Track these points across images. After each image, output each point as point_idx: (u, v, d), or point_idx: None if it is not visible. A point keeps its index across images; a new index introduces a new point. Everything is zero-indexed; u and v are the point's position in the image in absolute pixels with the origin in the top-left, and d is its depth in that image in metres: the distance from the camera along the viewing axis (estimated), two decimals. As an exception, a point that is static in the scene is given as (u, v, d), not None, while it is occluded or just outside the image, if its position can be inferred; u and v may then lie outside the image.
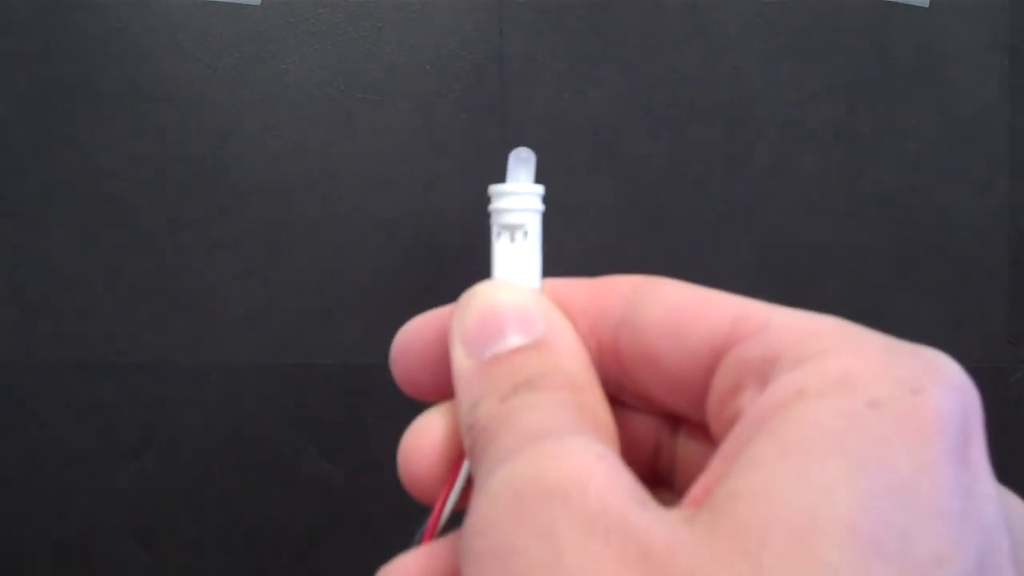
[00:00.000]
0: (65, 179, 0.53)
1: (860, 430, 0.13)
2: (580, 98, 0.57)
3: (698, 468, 0.15)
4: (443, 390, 0.19)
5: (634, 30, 0.57)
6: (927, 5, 0.59)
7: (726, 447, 0.14)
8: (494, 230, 0.20)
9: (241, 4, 0.54)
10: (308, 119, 0.55)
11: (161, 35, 0.54)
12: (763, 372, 0.15)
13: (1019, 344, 0.60)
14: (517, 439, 0.15)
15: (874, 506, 0.12)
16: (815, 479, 0.12)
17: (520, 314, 0.18)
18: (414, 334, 0.20)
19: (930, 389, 0.13)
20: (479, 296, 0.19)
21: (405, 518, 0.21)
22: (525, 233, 0.20)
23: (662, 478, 0.19)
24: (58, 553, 0.54)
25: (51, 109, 0.53)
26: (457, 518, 0.16)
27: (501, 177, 0.20)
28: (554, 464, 0.14)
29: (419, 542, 0.18)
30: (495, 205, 0.20)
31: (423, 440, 0.19)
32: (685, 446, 0.19)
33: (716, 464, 0.14)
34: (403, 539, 0.19)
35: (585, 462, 0.14)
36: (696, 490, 0.14)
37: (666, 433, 0.19)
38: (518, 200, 0.20)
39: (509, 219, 0.20)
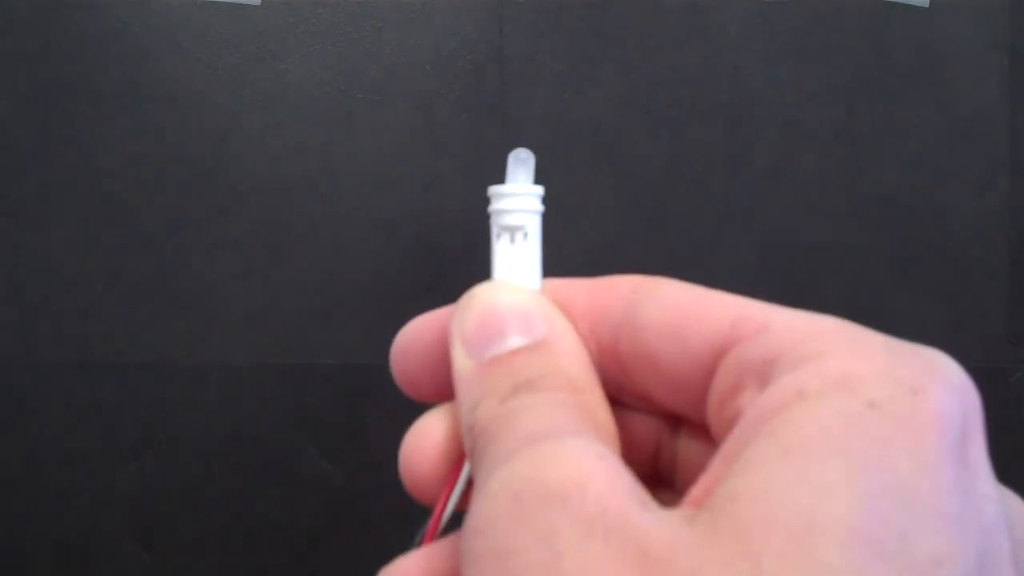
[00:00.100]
0: (65, 179, 0.53)
1: (860, 430, 0.13)
2: (580, 98, 0.57)
3: (698, 468, 0.15)
4: (443, 391, 0.19)
5: (634, 30, 0.57)
6: (927, 5, 0.59)
7: (726, 447, 0.14)
8: (494, 231, 0.20)
9: (241, 4, 0.54)
10: (308, 119, 0.55)
11: (161, 35, 0.54)
12: (763, 372, 0.15)
13: (1019, 344, 0.60)
14: (517, 440, 0.15)
15: (874, 506, 0.12)
16: (815, 480, 0.12)
17: (520, 315, 0.18)
18: (414, 335, 0.20)
19: (930, 389, 0.13)
20: (479, 297, 0.19)
21: (405, 518, 0.21)
22: (525, 234, 0.20)
23: (663, 478, 0.19)
24: (58, 553, 0.54)
25: (51, 109, 0.53)
26: (458, 519, 0.16)
27: (501, 177, 0.20)
28: (554, 465, 0.14)
29: (419, 543, 0.18)
30: (495, 206, 0.20)
31: (424, 441, 0.19)
32: (685, 446, 0.19)
33: (716, 464, 0.14)
34: (403, 540, 0.19)
35: (585, 463, 0.14)
36: (696, 490, 0.14)
37: (666, 433, 0.19)
38: (518, 201, 0.20)
39: (509, 220, 0.20)
